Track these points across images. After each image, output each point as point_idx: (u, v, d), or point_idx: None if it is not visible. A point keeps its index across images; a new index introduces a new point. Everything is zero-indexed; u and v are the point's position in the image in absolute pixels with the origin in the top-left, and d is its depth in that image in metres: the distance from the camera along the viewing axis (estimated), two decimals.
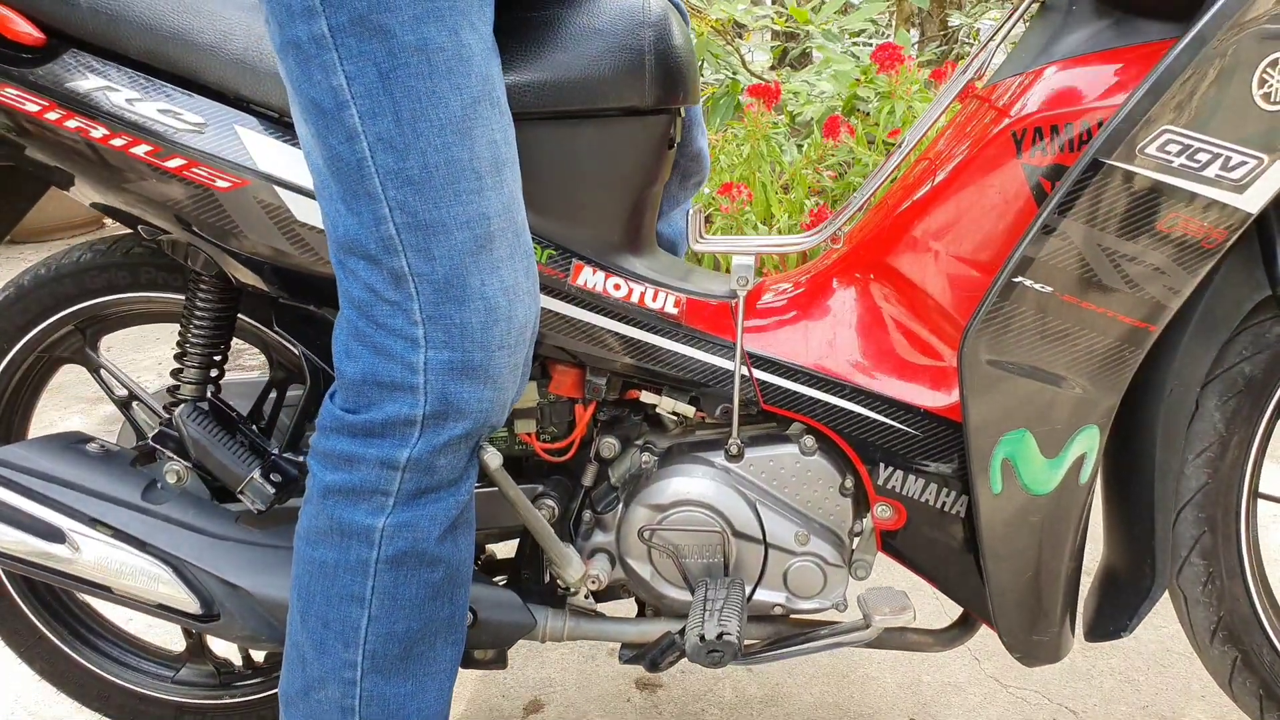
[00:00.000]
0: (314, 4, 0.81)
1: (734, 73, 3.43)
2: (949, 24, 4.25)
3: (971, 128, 1.07)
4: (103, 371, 1.21)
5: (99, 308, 1.18)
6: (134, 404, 1.22)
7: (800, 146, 2.68)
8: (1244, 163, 0.89)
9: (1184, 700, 1.44)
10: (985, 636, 1.17)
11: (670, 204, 1.29)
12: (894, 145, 2.30)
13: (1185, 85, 0.87)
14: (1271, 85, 0.87)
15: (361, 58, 0.82)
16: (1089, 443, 0.99)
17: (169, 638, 1.40)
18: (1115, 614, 1.13)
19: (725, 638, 0.97)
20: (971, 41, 4.40)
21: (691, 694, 1.47)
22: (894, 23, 4.41)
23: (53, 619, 1.29)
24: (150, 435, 1.14)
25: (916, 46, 4.10)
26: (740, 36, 4.06)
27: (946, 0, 4.25)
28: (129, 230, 1.11)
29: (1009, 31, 1.07)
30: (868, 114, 2.63)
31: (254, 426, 1.16)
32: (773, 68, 4.30)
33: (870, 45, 3.85)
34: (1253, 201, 0.90)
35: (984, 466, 0.99)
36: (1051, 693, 1.47)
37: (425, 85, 0.82)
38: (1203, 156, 0.89)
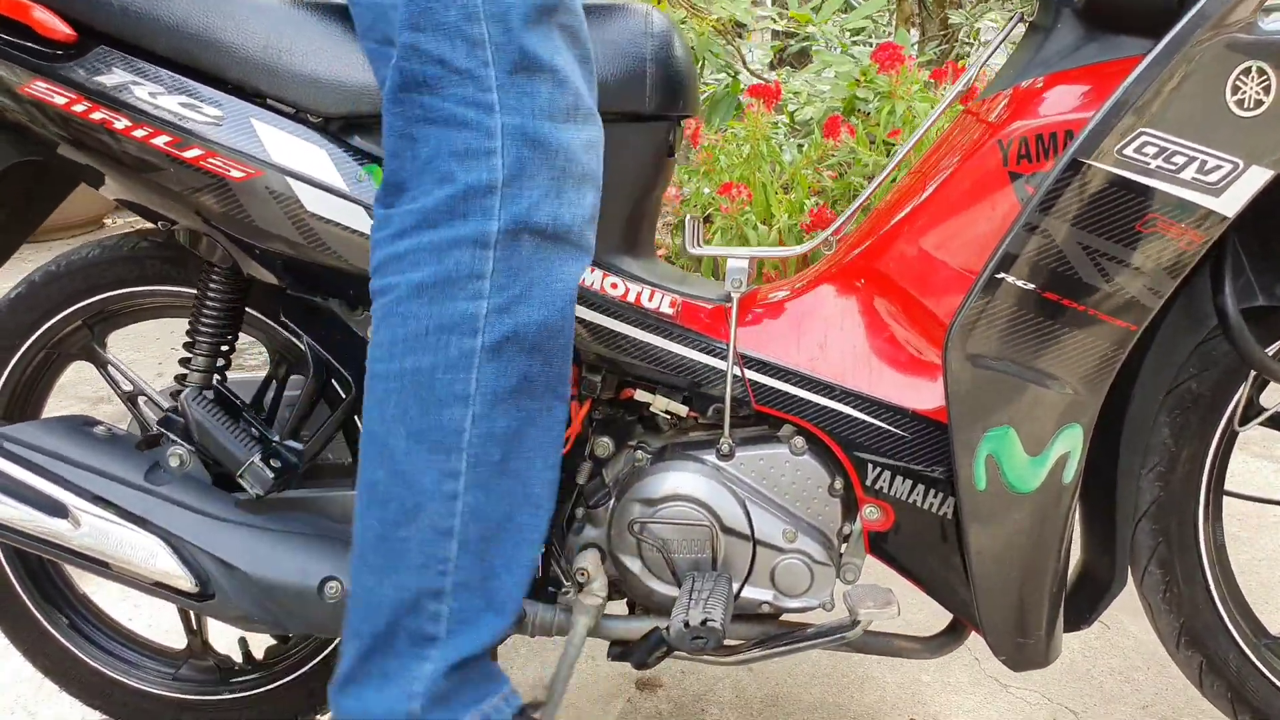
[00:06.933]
0: None
1: (735, 73, 3.45)
2: (949, 23, 4.26)
3: (961, 140, 1.10)
4: (109, 367, 1.24)
5: (106, 303, 1.21)
6: (139, 400, 1.24)
7: (800, 146, 2.66)
8: (1219, 166, 0.92)
9: (1184, 700, 1.43)
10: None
11: None
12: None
13: (1161, 89, 0.90)
14: (1245, 92, 0.91)
15: None
16: (1072, 442, 1.00)
17: (170, 635, 1.41)
18: (1079, 608, 1.16)
19: (709, 624, 0.98)
20: (971, 41, 4.44)
21: (691, 694, 1.47)
22: (894, 22, 4.44)
23: (57, 617, 1.31)
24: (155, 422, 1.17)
25: (916, 46, 4.11)
26: (740, 36, 4.09)
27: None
28: (135, 228, 1.15)
29: (994, 50, 1.12)
30: (868, 114, 2.61)
31: (256, 416, 1.19)
32: (772, 66, 4.31)
33: (870, 44, 3.86)
34: (1229, 205, 0.93)
35: (968, 462, 1.00)
36: (1051, 693, 1.47)
37: None
38: (1179, 159, 0.92)
